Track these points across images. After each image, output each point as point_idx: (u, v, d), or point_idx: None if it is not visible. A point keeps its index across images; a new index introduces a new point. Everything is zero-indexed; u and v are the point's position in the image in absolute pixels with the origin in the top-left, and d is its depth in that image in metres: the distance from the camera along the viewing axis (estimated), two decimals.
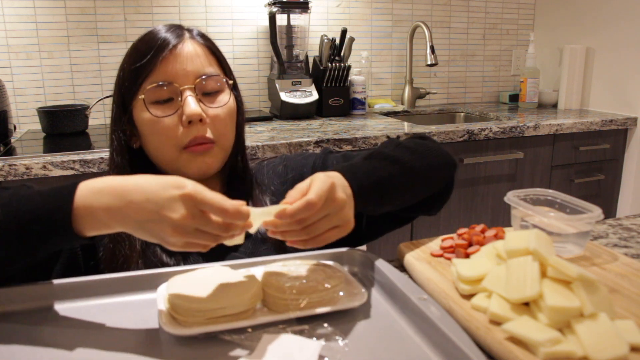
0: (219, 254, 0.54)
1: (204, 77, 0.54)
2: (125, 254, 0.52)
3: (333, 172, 0.46)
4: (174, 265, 0.52)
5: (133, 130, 0.56)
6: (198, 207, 0.37)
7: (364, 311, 0.42)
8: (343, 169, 0.47)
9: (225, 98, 0.56)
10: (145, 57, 0.53)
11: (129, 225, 0.39)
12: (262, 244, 0.57)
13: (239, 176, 0.60)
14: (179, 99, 0.53)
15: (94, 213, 0.39)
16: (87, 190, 0.39)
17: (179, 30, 0.55)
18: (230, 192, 0.52)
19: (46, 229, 0.38)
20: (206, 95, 0.55)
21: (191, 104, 0.52)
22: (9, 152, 1.05)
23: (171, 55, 0.53)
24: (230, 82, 0.57)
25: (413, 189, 0.52)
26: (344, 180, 0.46)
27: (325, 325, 0.40)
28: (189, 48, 0.54)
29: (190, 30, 0.56)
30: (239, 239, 0.42)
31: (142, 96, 0.53)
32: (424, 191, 0.54)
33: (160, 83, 0.52)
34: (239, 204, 0.38)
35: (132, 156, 0.56)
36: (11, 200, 0.39)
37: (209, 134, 0.54)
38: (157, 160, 0.56)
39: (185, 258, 0.54)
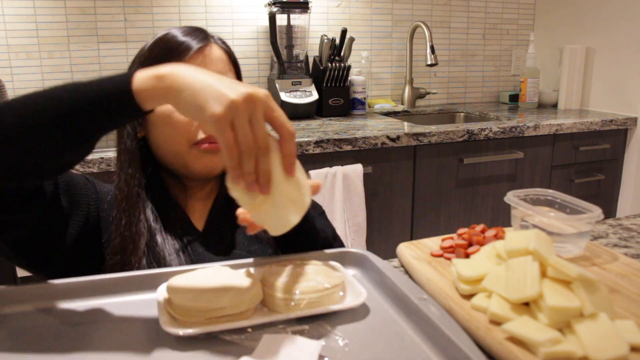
0: (221, 251, 0.55)
1: None
2: (129, 262, 0.52)
3: None
4: (177, 264, 0.53)
5: (141, 119, 0.56)
6: (262, 109, 0.36)
7: (363, 311, 0.42)
8: None
9: None
10: (170, 54, 0.53)
11: (187, 93, 0.37)
12: (256, 243, 0.57)
13: None
14: None
15: (157, 82, 0.38)
16: (145, 76, 0.39)
17: (203, 33, 0.57)
18: (225, 195, 0.52)
19: (108, 101, 0.38)
20: None
21: None
22: None
23: (198, 56, 0.54)
24: None
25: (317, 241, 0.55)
26: None
27: (325, 325, 0.40)
28: (215, 52, 0.56)
29: (212, 36, 0.58)
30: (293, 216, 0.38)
31: None
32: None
33: None
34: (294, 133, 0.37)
35: (138, 145, 0.56)
36: (75, 85, 0.39)
37: None
38: (163, 152, 0.56)
39: (188, 259, 0.54)
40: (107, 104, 0.38)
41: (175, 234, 0.55)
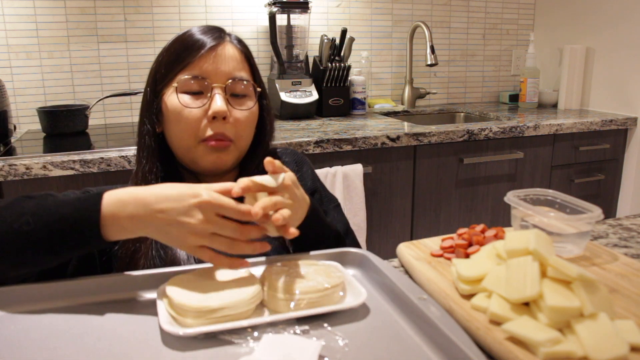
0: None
1: (235, 79, 0.57)
2: (139, 249, 0.53)
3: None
4: (186, 256, 0.54)
5: (159, 115, 0.59)
6: (214, 211, 0.41)
7: (363, 311, 0.42)
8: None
9: (251, 103, 0.59)
10: (185, 52, 0.57)
11: (150, 230, 0.43)
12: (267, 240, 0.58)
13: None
14: (209, 94, 0.56)
15: (119, 221, 0.42)
16: (113, 200, 0.43)
17: (219, 32, 0.59)
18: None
19: (76, 236, 0.42)
20: (234, 96, 0.58)
21: (218, 102, 0.55)
22: (9, 152, 1.05)
23: (209, 54, 0.56)
24: (259, 89, 0.60)
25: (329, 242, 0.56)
26: (308, 199, 0.52)
27: (325, 325, 0.40)
28: (228, 50, 0.58)
29: (229, 35, 0.60)
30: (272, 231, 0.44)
31: (176, 84, 0.56)
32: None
33: (194, 76, 0.56)
34: (250, 208, 0.41)
35: (157, 140, 0.59)
36: (39, 210, 0.43)
37: (228, 133, 0.57)
38: (175, 147, 0.59)
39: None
40: (73, 240, 0.42)
41: None
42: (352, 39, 1.48)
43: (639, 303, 0.42)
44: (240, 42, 0.60)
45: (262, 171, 0.46)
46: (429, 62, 1.51)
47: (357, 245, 0.61)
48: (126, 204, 0.42)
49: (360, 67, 1.58)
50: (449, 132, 1.26)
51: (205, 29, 0.59)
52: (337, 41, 1.45)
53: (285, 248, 0.57)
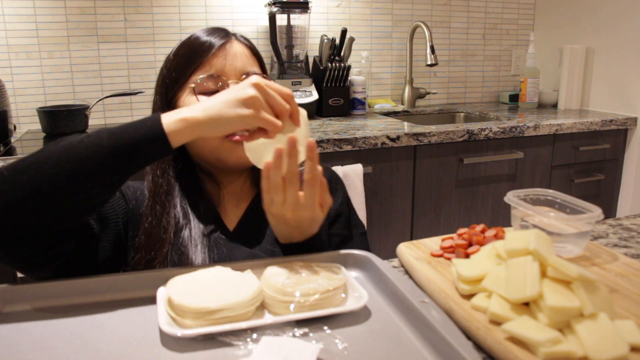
0: (248, 254, 0.56)
1: (248, 74, 0.58)
2: (154, 257, 0.53)
3: None
4: (200, 261, 0.54)
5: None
6: (265, 87, 0.45)
7: (364, 314, 0.42)
8: None
9: None
10: (195, 54, 0.57)
11: (212, 111, 0.44)
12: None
13: None
14: None
15: (183, 116, 0.44)
16: (170, 113, 0.45)
17: (224, 32, 0.60)
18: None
19: (147, 146, 0.43)
20: None
21: None
22: (9, 152, 1.05)
23: (220, 52, 0.57)
24: None
25: None
26: (316, 229, 0.53)
27: (325, 328, 0.39)
28: (237, 47, 0.59)
29: (234, 34, 0.61)
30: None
31: (193, 85, 0.57)
32: None
33: (210, 75, 0.57)
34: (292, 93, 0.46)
35: None
36: (110, 132, 0.44)
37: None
38: (197, 150, 0.58)
39: (210, 254, 0.55)
40: (144, 148, 0.43)
41: (203, 232, 0.56)
42: (352, 39, 1.48)
43: (639, 303, 0.42)
44: (246, 39, 0.62)
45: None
46: (429, 62, 1.51)
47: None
48: (191, 106, 0.46)
49: (360, 67, 1.58)
50: (449, 132, 1.26)
51: (210, 31, 0.59)
52: (337, 41, 1.45)
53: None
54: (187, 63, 0.57)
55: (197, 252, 0.54)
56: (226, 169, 0.59)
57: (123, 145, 0.42)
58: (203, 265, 0.53)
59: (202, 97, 0.56)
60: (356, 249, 0.58)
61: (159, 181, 0.56)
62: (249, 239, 0.58)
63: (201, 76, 0.56)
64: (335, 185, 0.67)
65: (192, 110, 0.44)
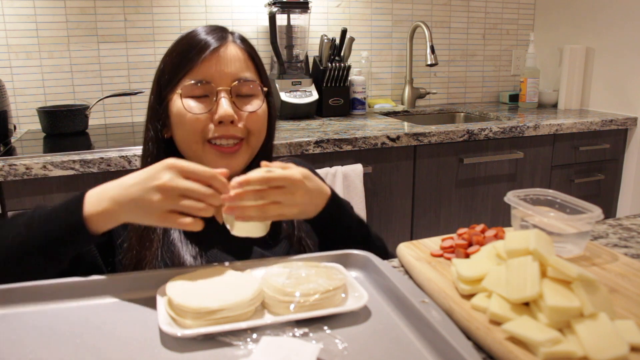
0: (240, 249, 0.55)
1: (240, 80, 0.56)
2: (144, 257, 0.53)
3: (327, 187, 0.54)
4: (191, 261, 0.53)
5: (166, 121, 0.58)
6: (181, 173, 0.44)
7: (364, 314, 0.42)
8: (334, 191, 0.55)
9: (259, 102, 0.58)
10: (187, 55, 0.56)
11: (128, 206, 0.45)
12: (277, 239, 0.58)
13: None
14: (214, 98, 0.56)
15: (101, 208, 0.45)
16: (93, 193, 0.46)
17: (222, 32, 0.58)
18: None
19: (65, 235, 0.45)
20: (240, 97, 0.57)
21: (224, 105, 0.55)
22: (9, 152, 1.05)
23: (212, 56, 0.55)
24: (265, 89, 0.59)
25: (357, 238, 0.57)
26: (328, 190, 0.53)
27: (325, 328, 0.39)
28: (231, 51, 0.57)
29: (233, 34, 0.59)
30: (254, 230, 0.46)
31: (180, 91, 0.56)
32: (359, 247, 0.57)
33: (198, 81, 0.55)
34: (218, 172, 0.44)
35: (163, 146, 0.59)
36: (29, 221, 0.46)
37: (238, 133, 0.56)
38: (184, 152, 0.58)
39: (204, 254, 0.55)
40: (64, 239, 0.45)
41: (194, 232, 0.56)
42: (352, 39, 1.48)
43: (639, 303, 0.42)
44: (244, 41, 0.59)
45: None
46: (429, 62, 1.51)
47: (384, 249, 0.59)
48: (106, 190, 0.46)
49: (360, 67, 1.58)
50: (449, 132, 1.26)
51: (209, 29, 0.57)
52: (337, 41, 1.45)
53: (294, 248, 0.56)
54: (180, 64, 0.56)
55: (187, 251, 0.54)
56: None
57: (43, 240, 0.44)
58: (202, 265, 0.53)
59: (187, 102, 0.55)
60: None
61: None
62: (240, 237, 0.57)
63: (189, 82, 0.55)
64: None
65: (109, 199, 0.45)
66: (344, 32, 1.45)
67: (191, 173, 0.44)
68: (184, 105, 0.55)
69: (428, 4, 1.70)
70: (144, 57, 1.41)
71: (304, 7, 1.41)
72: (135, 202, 0.44)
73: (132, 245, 0.54)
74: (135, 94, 1.34)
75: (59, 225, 0.44)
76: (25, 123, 1.33)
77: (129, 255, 0.53)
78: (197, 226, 0.44)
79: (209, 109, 0.55)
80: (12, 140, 1.17)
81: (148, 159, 0.58)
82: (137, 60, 1.41)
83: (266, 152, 0.61)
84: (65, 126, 1.21)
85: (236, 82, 0.56)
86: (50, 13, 1.31)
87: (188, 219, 0.43)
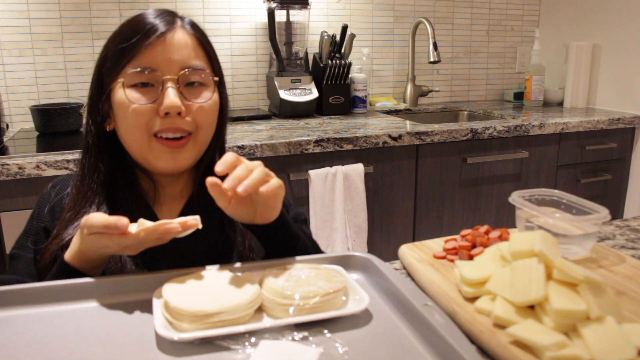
0: (180, 254, 0.52)
1: (188, 69, 0.52)
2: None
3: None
4: (131, 264, 0.52)
5: (109, 111, 0.54)
6: (92, 231, 0.44)
7: (366, 317, 0.41)
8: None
9: (208, 94, 0.54)
10: (131, 40, 0.51)
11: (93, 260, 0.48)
12: (226, 246, 0.55)
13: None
14: (160, 88, 0.51)
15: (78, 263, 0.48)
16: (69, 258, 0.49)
17: (170, 17, 0.54)
18: (203, 190, 0.50)
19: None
20: (189, 86, 0.53)
21: (170, 96, 0.51)
22: (2, 151, 1.04)
23: (158, 42, 0.51)
24: (216, 78, 0.55)
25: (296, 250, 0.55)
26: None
27: (325, 331, 0.39)
28: (178, 37, 0.52)
29: (182, 19, 0.55)
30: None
31: (122, 79, 0.51)
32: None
33: (143, 69, 0.51)
34: (117, 219, 0.43)
35: (105, 139, 0.55)
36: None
37: (185, 126, 0.52)
38: (127, 146, 0.54)
39: (141, 259, 0.53)
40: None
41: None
42: (352, 36, 1.47)
43: None
44: (194, 26, 0.55)
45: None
46: (431, 59, 1.50)
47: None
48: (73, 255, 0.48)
49: (361, 65, 1.57)
50: (452, 131, 1.25)
51: (157, 13, 0.53)
52: (338, 38, 1.44)
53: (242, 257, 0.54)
54: (123, 51, 0.51)
55: (124, 256, 0.51)
56: (160, 174, 0.55)
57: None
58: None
59: (130, 92, 0.51)
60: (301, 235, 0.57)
61: (84, 181, 0.54)
62: (187, 238, 0.48)
63: (132, 70, 0.50)
64: None
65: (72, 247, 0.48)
66: (344, 29, 1.44)
67: (93, 228, 0.44)
68: (127, 95, 0.51)
69: (431, 0, 1.68)
70: None
71: (304, 3, 1.40)
72: (100, 255, 0.47)
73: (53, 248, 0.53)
74: None
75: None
76: (18, 122, 1.32)
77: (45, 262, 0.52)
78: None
79: (154, 99, 0.51)
80: (5, 139, 1.16)
81: (87, 155, 0.54)
82: None
83: (216, 148, 0.58)
84: (59, 125, 1.20)
85: (184, 70, 0.52)
86: (43, 9, 1.29)
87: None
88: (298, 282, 0.42)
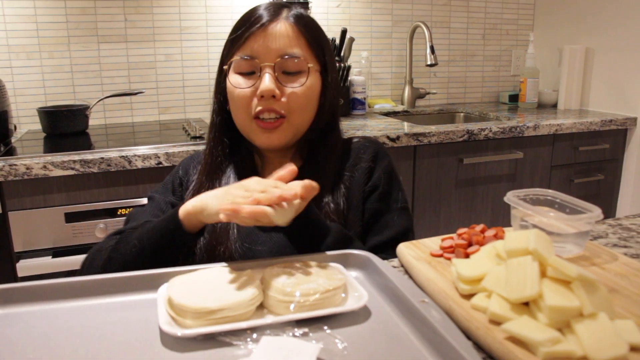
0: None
1: (285, 56, 0.58)
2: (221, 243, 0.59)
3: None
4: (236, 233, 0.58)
5: (226, 94, 0.62)
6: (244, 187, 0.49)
7: (364, 314, 0.42)
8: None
9: (302, 80, 0.59)
10: (239, 30, 0.59)
11: (212, 199, 0.51)
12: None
13: (322, 153, 0.63)
14: (259, 74, 0.58)
15: (191, 206, 0.51)
16: (186, 205, 0.52)
17: (276, 9, 0.60)
18: (307, 167, 0.59)
19: (169, 242, 0.52)
20: (287, 74, 0.59)
21: (266, 81, 0.57)
22: (10, 152, 1.05)
23: (259, 32, 0.58)
24: (310, 65, 0.59)
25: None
26: None
27: (325, 328, 0.39)
28: (280, 28, 0.58)
29: (290, 10, 0.60)
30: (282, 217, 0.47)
31: (231, 65, 0.60)
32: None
33: (244, 57, 0.58)
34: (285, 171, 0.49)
35: (228, 116, 0.62)
36: (141, 235, 0.53)
37: (279, 108, 0.58)
38: (237, 124, 0.62)
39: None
40: (167, 245, 0.52)
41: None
42: (352, 39, 1.48)
43: (638, 303, 0.42)
44: (297, 17, 0.60)
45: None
46: (428, 62, 1.51)
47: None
48: (198, 196, 0.52)
49: (360, 67, 1.58)
50: (449, 132, 1.26)
51: (268, 5, 0.60)
52: (337, 41, 1.45)
53: (289, 245, 0.56)
54: (233, 40, 0.59)
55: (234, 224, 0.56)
56: (261, 150, 0.63)
57: (152, 248, 0.52)
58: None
59: (235, 77, 0.59)
60: (391, 221, 0.61)
61: (212, 153, 0.62)
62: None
63: (237, 57, 0.58)
64: (375, 160, 0.65)
65: (197, 199, 0.51)
66: (343, 32, 1.45)
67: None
68: (232, 81, 0.59)
69: (428, 4, 1.70)
70: (144, 57, 1.41)
71: (304, 7, 1.41)
72: (217, 196, 0.50)
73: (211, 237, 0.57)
74: (136, 94, 1.34)
75: (162, 234, 0.51)
76: (26, 123, 1.33)
77: (209, 245, 0.57)
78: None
79: (253, 84, 0.58)
80: (13, 140, 1.17)
81: (213, 130, 0.62)
82: (137, 61, 1.41)
83: (321, 130, 0.63)
84: (65, 126, 1.21)
85: (280, 57, 0.57)
86: (50, 13, 1.31)
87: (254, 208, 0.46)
88: (298, 280, 0.43)
